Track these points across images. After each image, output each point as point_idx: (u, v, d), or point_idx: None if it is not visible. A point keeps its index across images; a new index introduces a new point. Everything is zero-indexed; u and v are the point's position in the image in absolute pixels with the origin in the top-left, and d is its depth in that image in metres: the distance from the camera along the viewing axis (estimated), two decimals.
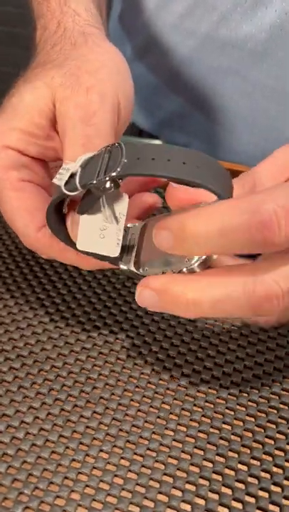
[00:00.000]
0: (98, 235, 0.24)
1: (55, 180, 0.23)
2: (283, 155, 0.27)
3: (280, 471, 0.25)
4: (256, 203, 0.20)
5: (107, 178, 0.21)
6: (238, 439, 0.26)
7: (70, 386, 0.28)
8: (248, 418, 0.27)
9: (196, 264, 0.24)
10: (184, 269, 0.24)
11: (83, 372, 0.29)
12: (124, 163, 0.21)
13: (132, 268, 0.26)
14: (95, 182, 0.22)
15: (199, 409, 0.27)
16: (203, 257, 0.24)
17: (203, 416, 0.27)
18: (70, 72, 0.26)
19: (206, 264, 0.24)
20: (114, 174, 0.21)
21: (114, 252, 0.24)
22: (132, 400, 0.28)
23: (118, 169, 0.21)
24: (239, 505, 0.24)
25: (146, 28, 0.51)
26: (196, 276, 0.23)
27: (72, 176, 0.23)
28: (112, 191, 0.22)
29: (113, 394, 0.28)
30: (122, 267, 0.26)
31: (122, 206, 0.23)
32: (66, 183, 0.23)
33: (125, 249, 0.27)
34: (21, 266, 0.36)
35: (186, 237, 0.21)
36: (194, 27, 0.46)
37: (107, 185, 0.22)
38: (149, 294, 0.23)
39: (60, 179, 0.23)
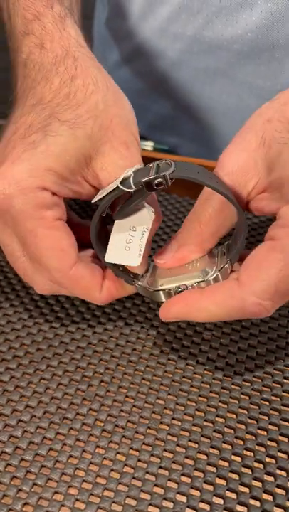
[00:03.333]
0: (124, 247, 0.28)
1: (110, 186, 0.27)
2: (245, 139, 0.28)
3: (273, 461, 0.26)
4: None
5: (161, 175, 0.25)
6: (232, 432, 0.27)
7: (65, 384, 0.29)
8: (240, 411, 0.28)
9: (212, 278, 0.27)
10: (202, 284, 0.28)
11: (78, 371, 0.29)
12: (175, 170, 0.25)
13: (146, 284, 0.29)
14: (148, 178, 0.25)
15: (193, 404, 0.28)
16: (217, 273, 0.28)
17: (196, 410, 0.28)
18: (103, 125, 0.28)
19: (219, 279, 0.28)
20: (167, 173, 0.25)
21: (137, 261, 0.27)
22: (126, 396, 0.28)
23: (171, 170, 0.25)
24: (233, 495, 0.24)
25: (133, 34, 0.51)
26: (199, 305, 0.27)
27: (125, 179, 0.26)
28: (157, 190, 0.26)
29: (108, 391, 0.28)
30: (138, 284, 0.29)
31: (148, 222, 0.27)
32: (121, 183, 0.26)
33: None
34: None
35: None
36: (181, 30, 0.47)
37: (157, 181, 0.25)
38: (172, 320, 0.28)
39: (109, 188, 0.27)
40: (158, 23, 0.48)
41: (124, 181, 0.26)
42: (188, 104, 0.52)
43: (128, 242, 0.28)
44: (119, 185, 0.26)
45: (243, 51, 0.45)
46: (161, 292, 0.28)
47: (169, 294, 0.28)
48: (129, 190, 0.26)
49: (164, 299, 0.28)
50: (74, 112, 0.28)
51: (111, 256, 0.28)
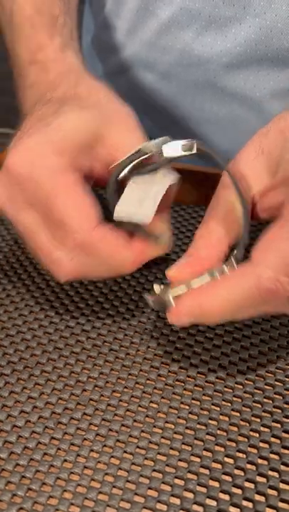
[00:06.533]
0: (137, 202, 0.27)
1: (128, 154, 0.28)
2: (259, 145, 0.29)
3: (265, 462, 0.26)
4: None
5: (184, 143, 0.27)
6: (224, 434, 0.27)
7: (60, 389, 0.29)
8: (233, 413, 0.28)
9: (218, 274, 0.27)
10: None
11: (73, 376, 0.30)
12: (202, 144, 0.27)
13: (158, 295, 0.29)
14: (176, 141, 0.27)
15: (186, 407, 0.28)
16: (223, 267, 0.27)
17: (190, 413, 0.28)
18: (108, 114, 0.31)
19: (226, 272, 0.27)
20: (195, 140, 0.27)
21: (149, 218, 0.27)
22: (120, 400, 0.28)
23: (193, 140, 0.27)
24: (226, 497, 0.25)
25: (122, 47, 0.52)
26: (211, 294, 0.26)
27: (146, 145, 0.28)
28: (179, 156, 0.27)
29: (102, 395, 0.29)
30: (149, 297, 0.29)
31: (166, 180, 0.28)
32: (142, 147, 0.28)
33: None
34: (9, 275, 0.36)
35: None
36: (170, 44, 0.47)
37: (184, 144, 0.27)
38: (184, 321, 0.27)
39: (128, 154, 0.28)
40: (147, 37, 0.48)
41: (145, 146, 0.27)
42: (180, 115, 0.52)
43: (142, 198, 0.27)
44: (141, 147, 0.27)
45: (232, 64, 0.46)
46: (172, 299, 0.27)
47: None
48: (150, 152, 0.27)
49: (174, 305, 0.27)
50: (81, 103, 0.31)
51: (122, 211, 0.27)
